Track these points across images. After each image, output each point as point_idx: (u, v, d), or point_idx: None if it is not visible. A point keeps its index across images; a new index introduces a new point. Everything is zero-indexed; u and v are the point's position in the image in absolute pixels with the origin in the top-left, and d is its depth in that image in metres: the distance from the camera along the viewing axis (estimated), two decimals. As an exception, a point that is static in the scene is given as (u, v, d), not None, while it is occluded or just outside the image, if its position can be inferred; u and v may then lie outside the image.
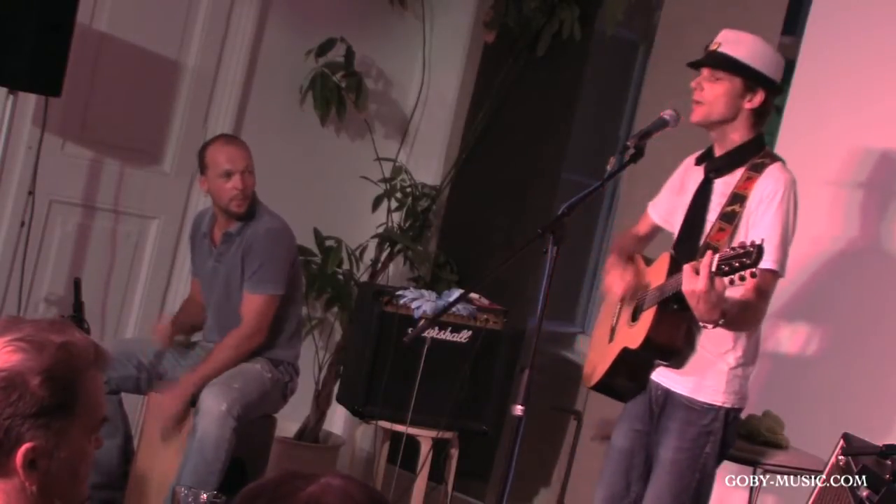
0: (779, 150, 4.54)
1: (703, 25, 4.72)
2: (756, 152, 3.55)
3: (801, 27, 4.77)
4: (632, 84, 5.78)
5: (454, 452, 5.02)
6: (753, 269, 3.11)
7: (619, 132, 5.77)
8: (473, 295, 5.00)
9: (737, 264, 3.12)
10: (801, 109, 4.64)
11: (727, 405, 3.56)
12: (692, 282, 3.23)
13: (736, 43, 3.54)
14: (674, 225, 3.75)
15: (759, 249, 3.09)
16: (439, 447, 4.98)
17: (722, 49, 3.53)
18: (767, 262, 3.40)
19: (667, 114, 3.54)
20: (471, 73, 5.93)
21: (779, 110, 4.77)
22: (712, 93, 3.52)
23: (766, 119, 3.62)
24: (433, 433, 4.90)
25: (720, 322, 3.29)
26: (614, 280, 3.72)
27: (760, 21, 4.72)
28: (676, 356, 3.56)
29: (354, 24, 5.75)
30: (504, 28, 5.69)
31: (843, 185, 4.50)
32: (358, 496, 1.55)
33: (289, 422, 5.43)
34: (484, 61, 5.91)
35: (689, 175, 3.72)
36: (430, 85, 6.00)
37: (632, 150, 3.43)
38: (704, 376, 3.56)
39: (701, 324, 3.35)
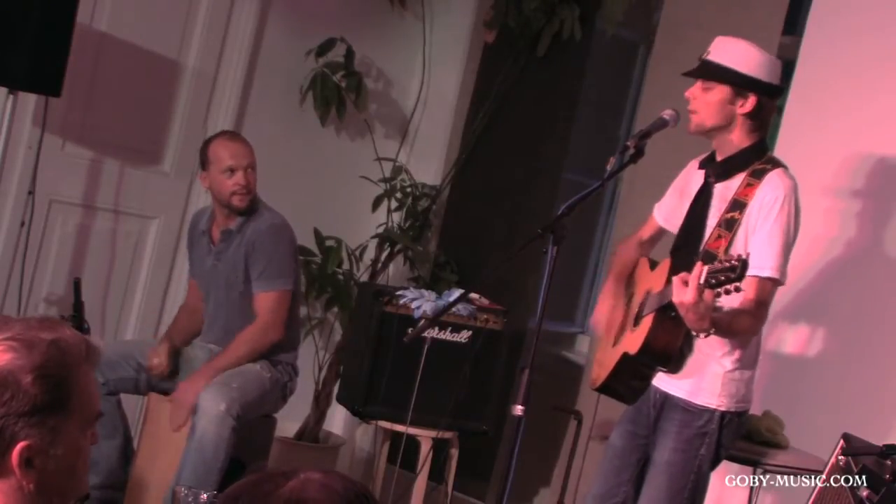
0: (778, 150, 4.55)
1: (703, 26, 4.72)
2: (757, 157, 3.55)
3: (801, 27, 4.77)
4: (632, 84, 5.79)
5: (454, 452, 5.02)
6: (738, 284, 3.14)
7: (619, 132, 5.77)
8: (473, 295, 5.00)
9: (723, 278, 3.15)
10: (801, 110, 4.64)
11: (722, 408, 3.56)
12: (681, 293, 3.26)
13: (724, 50, 3.54)
14: (676, 227, 3.75)
15: (744, 264, 3.12)
16: (439, 447, 4.98)
17: (710, 57, 3.55)
18: (767, 271, 3.41)
19: (667, 114, 3.55)
20: (471, 73, 5.93)
21: (779, 110, 4.77)
22: (704, 102, 3.54)
23: (767, 123, 3.61)
24: (433, 433, 4.90)
25: (711, 331, 3.31)
26: (600, 316, 3.85)
27: (760, 21, 4.72)
28: (674, 362, 3.57)
29: (354, 24, 5.75)
30: (504, 28, 5.69)
31: (844, 186, 4.50)
32: (339, 488, 1.55)
33: (289, 422, 5.43)
34: (484, 61, 5.91)
35: (691, 178, 3.73)
36: (430, 85, 5.99)
37: (632, 150, 3.44)
38: (701, 379, 3.56)
39: (693, 333, 3.38)
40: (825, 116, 4.56)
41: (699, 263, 3.26)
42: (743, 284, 3.21)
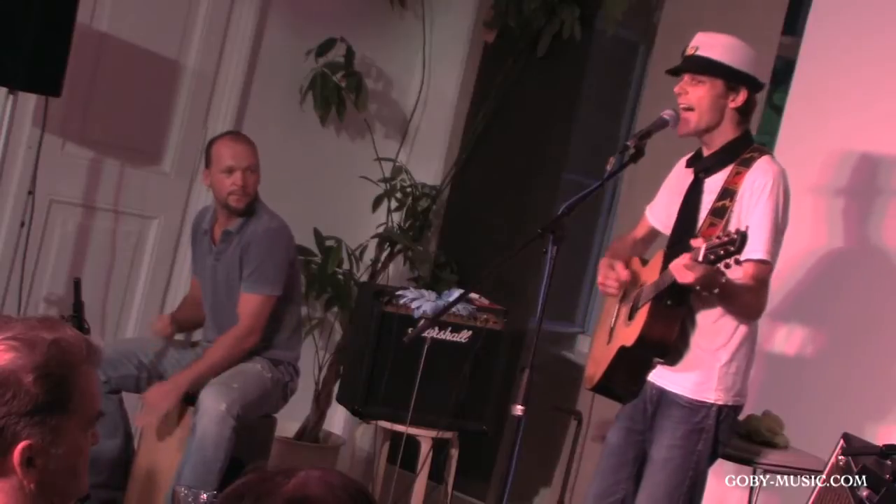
0: (779, 149, 4.56)
1: (704, 26, 4.70)
2: (744, 148, 3.57)
3: (801, 27, 4.77)
4: (632, 84, 5.78)
5: (454, 452, 5.02)
6: (738, 256, 3.16)
7: (619, 132, 5.77)
8: (473, 295, 5.00)
9: (722, 252, 3.18)
10: (802, 109, 4.64)
11: (719, 402, 3.57)
12: (685, 275, 3.28)
13: (712, 45, 3.56)
14: (668, 227, 3.76)
15: (743, 237, 3.15)
16: (439, 447, 4.98)
17: (700, 52, 3.55)
18: (759, 253, 3.43)
19: (667, 114, 3.56)
20: (471, 73, 5.93)
21: (779, 110, 4.77)
22: (696, 95, 3.54)
23: (751, 116, 3.63)
24: (433, 433, 4.90)
25: (723, 281, 3.31)
26: (607, 276, 3.75)
27: (760, 21, 4.72)
28: (671, 352, 3.57)
29: (354, 24, 5.75)
30: (504, 28, 5.69)
31: (843, 186, 4.50)
32: (338, 484, 1.57)
33: (289, 422, 5.43)
34: (484, 61, 5.91)
35: (681, 177, 3.74)
36: (430, 85, 5.99)
37: (632, 150, 3.45)
38: (697, 374, 3.57)
39: (703, 294, 3.37)
40: (825, 116, 4.56)
41: (696, 240, 3.29)
42: (740, 267, 3.24)
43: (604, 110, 5.82)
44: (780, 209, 3.49)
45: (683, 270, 3.28)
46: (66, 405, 1.80)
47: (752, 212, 3.47)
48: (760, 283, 3.48)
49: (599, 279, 3.79)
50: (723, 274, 3.28)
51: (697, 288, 3.36)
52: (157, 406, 4.44)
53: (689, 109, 3.56)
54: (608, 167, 3.47)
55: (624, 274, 3.71)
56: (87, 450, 1.85)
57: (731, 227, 3.46)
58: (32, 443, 1.77)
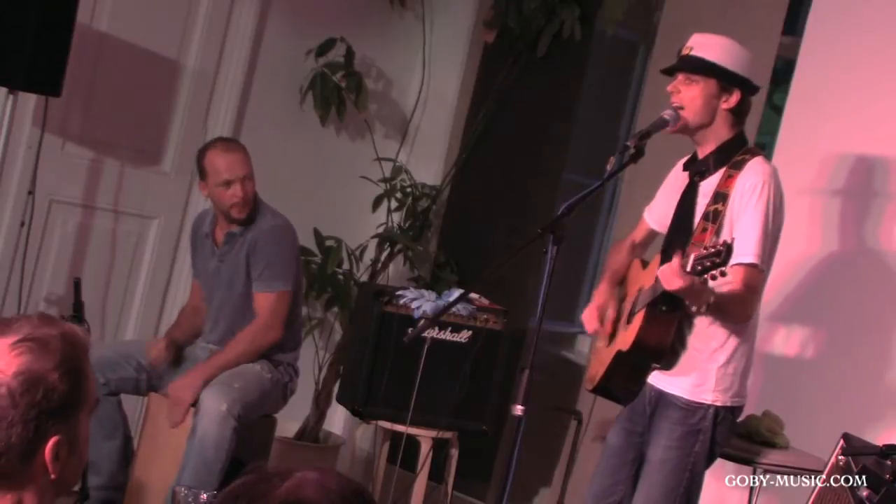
0: (778, 150, 4.56)
1: (704, 25, 4.71)
2: (737, 150, 3.57)
3: (801, 27, 4.77)
4: (632, 84, 5.78)
5: (454, 452, 5.02)
6: (723, 269, 3.15)
7: (619, 132, 5.77)
8: (473, 295, 5.00)
9: (708, 263, 3.18)
10: (801, 109, 4.64)
11: (717, 403, 3.57)
12: (672, 281, 3.28)
13: (707, 45, 3.56)
14: (666, 229, 3.77)
15: (728, 249, 3.15)
16: (439, 447, 4.98)
17: (694, 52, 3.56)
18: (749, 257, 3.43)
19: (667, 114, 3.57)
20: (471, 73, 5.93)
21: (779, 110, 4.77)
22: (689, 94, 3.55)
23: (745, 118, 3.63)
24: (433, 433, 4.90)
25: (712, 301, 3.33)
26: (591, 316, 3.80)
27: (760, 21, 4.73)
28: (666, 357, 3.57)
29: (354, 24, 5.75)
30: (504, 28, 5.69)
31: (842, 186, 4.50)
32: (334, 486, 1.56)
33: (289, 422, 5.43)
34: (484, 61, 5.91)
35: (678, 179, 3.75)
36: (430, 85, 6.00)
37: (632, 150, 3.45)
38: (694, 375, 3.57)
39: (693, 309, 3.37)
40: (825, 116, 4.56)
41: (678, 253, 3.30)
42: (729, 272, 3.24)
43: (604, 110, 5.82)
44: (771, 210, 3.48)
45: (670, 277, 3.29)
46: (81, 396, 1.84)
47: (742, 215, 3.47)
48: (750, 290, 3.47)
49: (584, 315, 3.83)
50: (709, 288, 3.29)
51: (687, 303, 3.37)
52: (183, 398, 4.43)
53: (681, 108, 3.57)
54: (608, 167, 3.47)
55: (610, 316, 3.78)
56: (89, 435, 1.90)
57: (725, 231, 3.47)
58: (60, 437, 1.81)
